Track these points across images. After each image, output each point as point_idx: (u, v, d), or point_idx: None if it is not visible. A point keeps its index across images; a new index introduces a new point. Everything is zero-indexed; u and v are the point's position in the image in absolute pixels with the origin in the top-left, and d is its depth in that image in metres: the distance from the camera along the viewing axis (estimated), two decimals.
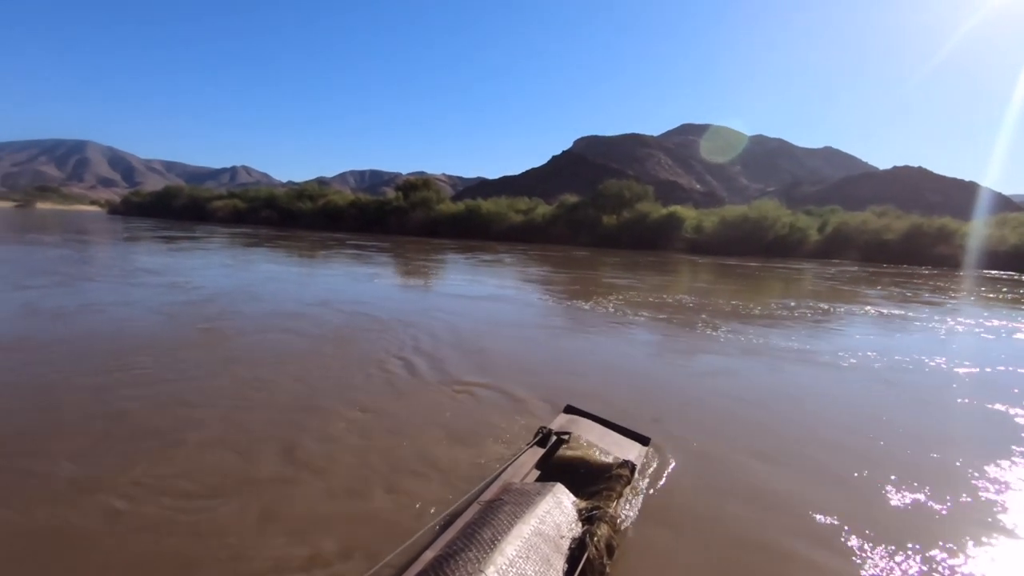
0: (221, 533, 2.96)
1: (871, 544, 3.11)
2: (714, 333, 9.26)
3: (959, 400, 6.11)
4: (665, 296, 13.94)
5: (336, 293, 12.15)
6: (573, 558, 2.45)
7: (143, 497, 3.28)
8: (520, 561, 2.24)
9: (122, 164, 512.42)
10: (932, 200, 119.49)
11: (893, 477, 4.01)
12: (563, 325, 9.79)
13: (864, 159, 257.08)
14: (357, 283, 14.58)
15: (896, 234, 39.77)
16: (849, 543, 3.12)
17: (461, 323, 9.20)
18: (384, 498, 3.41)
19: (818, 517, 3.39)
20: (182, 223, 56.39)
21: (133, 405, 4.81)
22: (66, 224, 45.38)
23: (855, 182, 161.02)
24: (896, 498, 3.70)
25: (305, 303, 10.50)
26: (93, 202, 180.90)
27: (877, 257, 37.86)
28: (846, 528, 3.28)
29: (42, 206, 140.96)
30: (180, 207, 75.58)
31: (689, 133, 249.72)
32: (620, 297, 13.26)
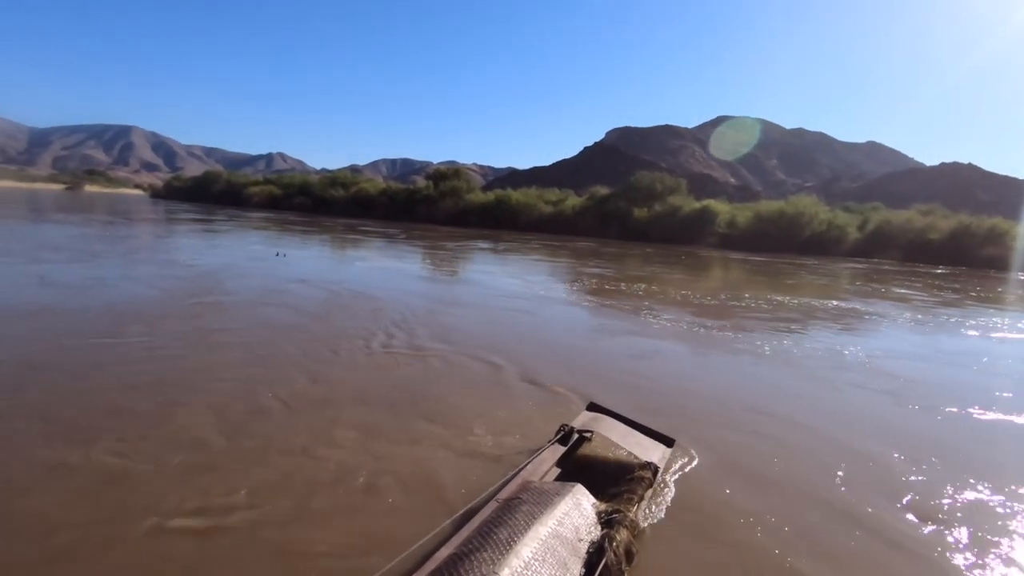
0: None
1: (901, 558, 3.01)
2: (652, 320, 9.66)
3: (854, 381, 6.60)
4: (622, 285, 14.30)
5: (318, 273, 12.90)
6: (591, 563, 2.39)
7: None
8: (536, 564, 2.20)
9: (164, 149, 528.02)
10: (983, 199, 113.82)
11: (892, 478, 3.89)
12: (511, 307, 10.17)
13: (910, 155, 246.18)
14: (341, 265, 15.71)
15: (942, 234, 38.11)
16: (878, 556, 3.03)
17: (405, 301, 9.86)
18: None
19: (842, 526, 3.31)
20: (218, 208, 58.13)
21: (119, 365, 5.38)
22: (108, 207, 47.26)
23: (899, 179, 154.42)
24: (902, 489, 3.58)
25: (289, 280, 11.33)
26: (137, 186, 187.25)
27: (921, 257, 36.48)
28: (871, 541, 3.18)
29: (90, 189, 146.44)
30: (218, 192, 77.56)
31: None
32: (581, 285, 13.96)
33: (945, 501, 3.70)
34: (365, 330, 7.38)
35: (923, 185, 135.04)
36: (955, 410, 5.73)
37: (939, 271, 28.96)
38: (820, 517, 3.39)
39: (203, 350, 6.07)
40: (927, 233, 38.42)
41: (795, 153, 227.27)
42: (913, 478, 4.03)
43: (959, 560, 3.02)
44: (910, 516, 3.48)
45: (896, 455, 4.44)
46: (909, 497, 3.72)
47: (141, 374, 5.16)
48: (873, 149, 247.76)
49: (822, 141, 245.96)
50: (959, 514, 3.54)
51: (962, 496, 3.79)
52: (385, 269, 14.87)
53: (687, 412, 5.13)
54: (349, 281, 11.88)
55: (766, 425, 4.91)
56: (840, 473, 4.04)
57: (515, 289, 12.37)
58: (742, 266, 24.06)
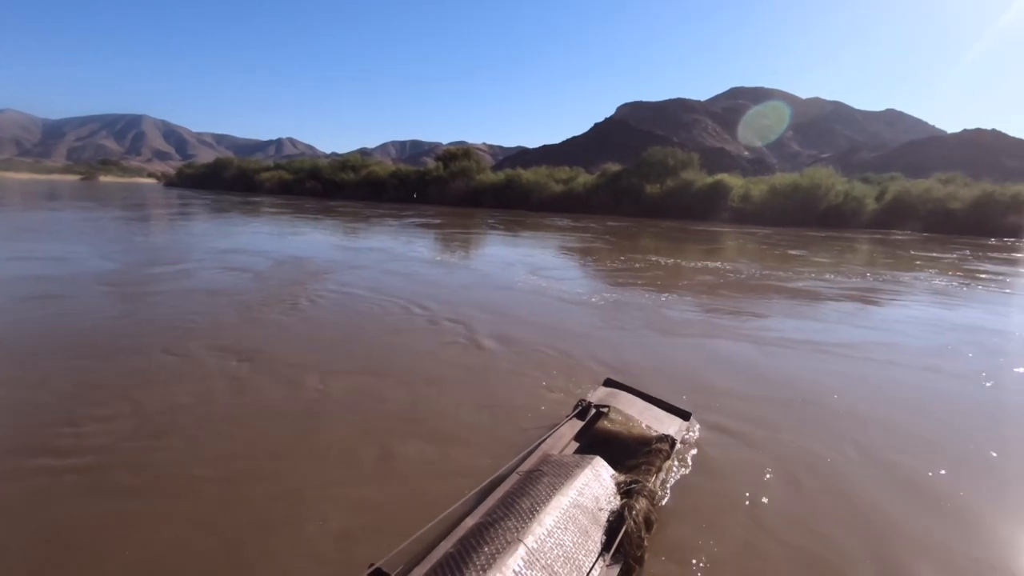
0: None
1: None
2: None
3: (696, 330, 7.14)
4: (520, 248, 16.35)
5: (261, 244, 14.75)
6: (611, 531, 2.46)
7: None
8: (558, 532, 2.27)
9: (175, 137, 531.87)
10: (1009, 165, 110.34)
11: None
12: (404, 271, 11.33)
13: (931, 122, 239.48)
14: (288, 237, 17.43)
15: (963, 203, 37.15)
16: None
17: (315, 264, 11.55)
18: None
19: (861, 492, 3.31)
20: (230, 194, 58.85)
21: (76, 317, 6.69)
22: (114, 195, 48.33)
23: (920, 147, 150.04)
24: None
25: (240, 252, 12.95)
26: (150, 175, 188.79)
27: (943, 228, 35.70)
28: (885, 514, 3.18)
29: (104, 179, 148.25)
30: (230, 178, 78.11)
31: (738, 97, 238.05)
32: (469, 252, 15.84)
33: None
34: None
35: (946, 153, 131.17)
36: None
37: (900, 237, 28.30)
38: (826, 478, 3.41)
39: (141, 304, 7.43)
40: (948, 203, 37.48)
41: (811, 124, 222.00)
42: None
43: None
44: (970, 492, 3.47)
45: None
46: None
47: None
48: (893, 117, 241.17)
49: (839, 111, 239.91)
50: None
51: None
52: (319, 242, 15.92)
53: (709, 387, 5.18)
54: (302, 250, 13.45)
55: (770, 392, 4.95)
56: (855, 439, 4.06)
57: (423, 258, 13.49)
58: (689, 236, 24.16)
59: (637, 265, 13.63)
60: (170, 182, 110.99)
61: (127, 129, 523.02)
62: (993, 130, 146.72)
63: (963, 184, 41.18)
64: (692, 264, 14.30)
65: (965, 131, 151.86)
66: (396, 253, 14.19)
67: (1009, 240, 30.78)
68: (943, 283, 12.79)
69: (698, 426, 4.14)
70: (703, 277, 12.04)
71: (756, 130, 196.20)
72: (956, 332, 7.87)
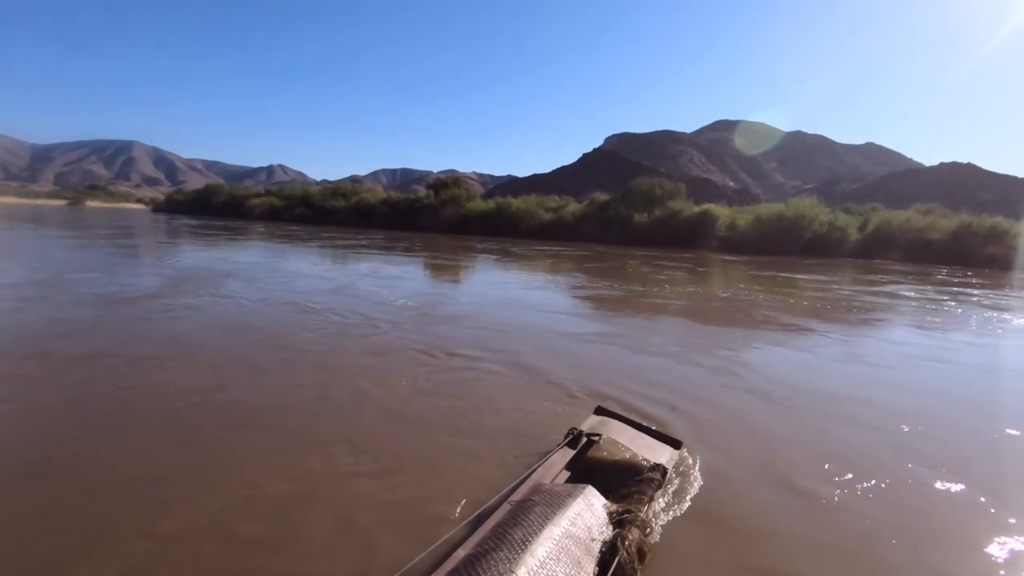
0: None
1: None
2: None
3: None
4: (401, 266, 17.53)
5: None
6: (604, 561, 2.43)
7: None
8: (551, 563, 2.24)
9: (165, 163, 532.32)
10: (983, 198, 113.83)
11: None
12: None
13: (908, 155, 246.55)
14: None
15: (943, 233, 38.01)
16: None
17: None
18: None
19: (841, 513, 3.30)
20: (219, 220, 58.84)
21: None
22: (105, 220, 47.94)
23: (898, 179, 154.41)
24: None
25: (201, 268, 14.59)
26: (139, 200, 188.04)
27: (923, 258, 36.39)
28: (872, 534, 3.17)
29: (91, 204, 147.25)
30: (220, 204, 77.94)
31: (723, 129, 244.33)
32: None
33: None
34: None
35: (923, 185, 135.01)
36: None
37: (803, 265, 28.80)
38: (806, 498, 3.39)
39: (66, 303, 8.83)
40: (927, 233, 38.34)
41: (794, 156, 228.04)
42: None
43: None
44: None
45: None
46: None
47: None
48: (872, 150, 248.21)
49: (820, 143, 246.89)
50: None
51: None
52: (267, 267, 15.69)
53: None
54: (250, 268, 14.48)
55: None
56: (839, 462, 4.04)
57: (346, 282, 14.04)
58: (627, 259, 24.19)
59: (498, 279, 15.98)
60: (159, 208, 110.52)
61: (117, 155, 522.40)
62: (969, 163, 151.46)
63: (942, 215, 42.28)
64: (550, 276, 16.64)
65: (942, 164, 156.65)
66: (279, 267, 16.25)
67: (974, 270, 31.45)
68: (765, 299, 13.88)
69: (689, 455, 4.06)
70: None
71: (751, 140, 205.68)
72: (710, 334, 9.33)
